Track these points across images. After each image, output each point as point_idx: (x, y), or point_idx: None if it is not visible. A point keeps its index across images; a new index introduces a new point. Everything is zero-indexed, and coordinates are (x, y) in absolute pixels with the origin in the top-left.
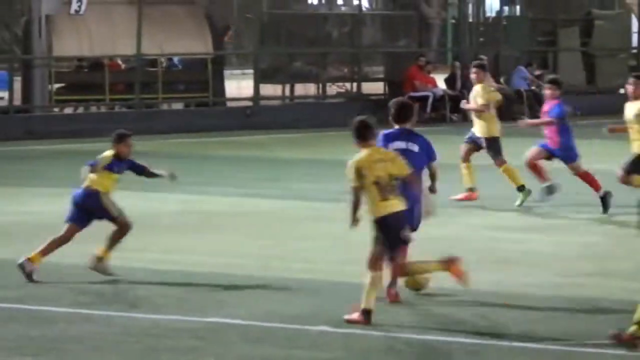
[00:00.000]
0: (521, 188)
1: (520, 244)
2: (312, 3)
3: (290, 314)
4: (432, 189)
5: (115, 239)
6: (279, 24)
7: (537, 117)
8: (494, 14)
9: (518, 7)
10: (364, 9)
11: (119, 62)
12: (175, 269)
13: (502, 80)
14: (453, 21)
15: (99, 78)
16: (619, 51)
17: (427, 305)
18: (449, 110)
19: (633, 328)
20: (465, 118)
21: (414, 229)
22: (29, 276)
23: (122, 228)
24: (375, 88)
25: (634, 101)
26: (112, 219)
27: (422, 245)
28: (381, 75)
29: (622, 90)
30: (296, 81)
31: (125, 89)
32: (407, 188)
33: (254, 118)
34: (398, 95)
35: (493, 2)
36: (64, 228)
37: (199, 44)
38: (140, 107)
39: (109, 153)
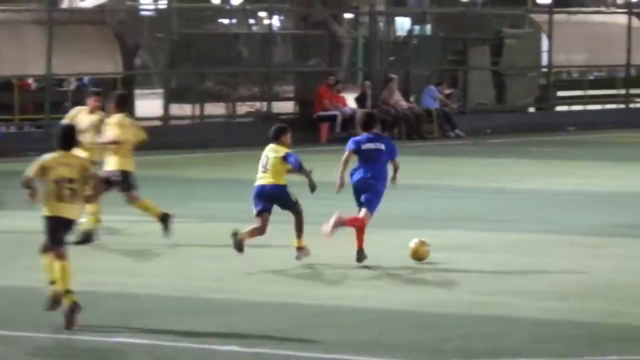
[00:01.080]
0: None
1: (434, 263)
2: (222, 22)
3: (199, 333)
4: (394, 179)
5: (299, 225)
6: (189, 44)
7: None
8: (404, 33)
9: (429, 26)
10: (274, 28)
11: (30, 81)
12: (79, 289)
13: (412, 99)
14: (364, 40)
15: (8, 98)
16: (528, 70)
17: (335, 326)
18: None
19: None
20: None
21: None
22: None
23: (300, 214)
24: (285, 107)
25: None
26: (294, 206)
27: (338, 264)
28: (292, 95)
29: (532, 109)
30: (206, 101)
31: (35, 108)
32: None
33: (164, 138)
34: (308, 114)
35: (404, 22)
36: (257, 220)
37: (109, 64)
38: (50, 127)
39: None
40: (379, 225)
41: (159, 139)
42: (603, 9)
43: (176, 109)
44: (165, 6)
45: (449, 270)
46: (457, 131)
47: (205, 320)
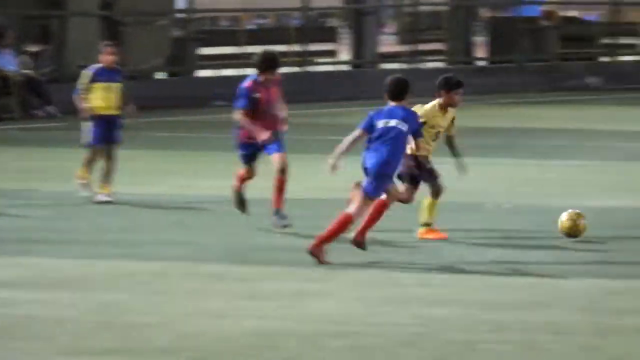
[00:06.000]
0: None
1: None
2: None
3: None
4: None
5: None
6: None
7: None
8: None
9: None
10: None
11: None
12: None
13: None
14: None
15: None
16: (156, 17)
17: None
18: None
19: None
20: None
21: None
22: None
23: None
24: None
25: None
26: None
27: None
28: None
29: (161, 75)
30: None
31: None
32: None
33: None
34: None
35: None
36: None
37: None
38: None
39: None
40: None
41: None
42: None
43: None
44: None
45: (35, 319)
46: (50, 108)
47: None
